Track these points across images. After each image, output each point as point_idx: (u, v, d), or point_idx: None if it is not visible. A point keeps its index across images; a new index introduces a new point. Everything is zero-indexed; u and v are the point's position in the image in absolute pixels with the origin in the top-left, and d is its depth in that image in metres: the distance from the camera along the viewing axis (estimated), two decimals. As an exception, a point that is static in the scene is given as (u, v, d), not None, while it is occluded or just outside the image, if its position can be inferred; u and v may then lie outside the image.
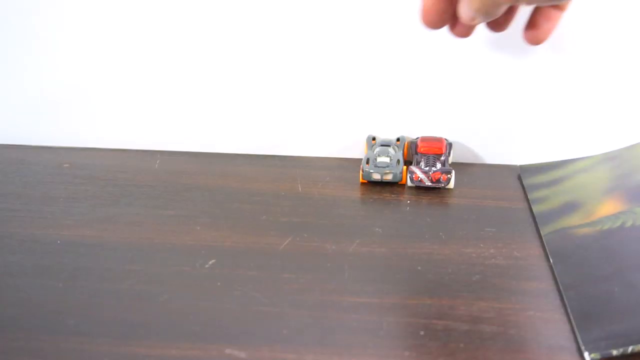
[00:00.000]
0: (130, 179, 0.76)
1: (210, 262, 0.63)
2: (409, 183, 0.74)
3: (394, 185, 0.74)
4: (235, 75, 0.79)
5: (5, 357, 0.53)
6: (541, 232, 0.67)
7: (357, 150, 0.80)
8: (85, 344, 0.54)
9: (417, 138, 0.77)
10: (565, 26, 0.76)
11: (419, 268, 0.62)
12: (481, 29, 0.76)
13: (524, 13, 0.65)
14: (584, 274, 0.60)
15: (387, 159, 0.74)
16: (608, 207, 0.67)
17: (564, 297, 0.58)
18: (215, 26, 0.78)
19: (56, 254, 0.64)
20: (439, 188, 0.74)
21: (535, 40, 0.65)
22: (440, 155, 0.75)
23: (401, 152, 0.76)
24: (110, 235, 0.67)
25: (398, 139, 0.77)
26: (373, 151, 0.76)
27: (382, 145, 0.76)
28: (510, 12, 0.64)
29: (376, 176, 0.74)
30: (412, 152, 0.77)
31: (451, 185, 0.73)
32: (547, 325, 0.56)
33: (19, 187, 0.74)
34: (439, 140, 0.76)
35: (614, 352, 0.53)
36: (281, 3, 0.77)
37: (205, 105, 0.80)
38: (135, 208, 0.71)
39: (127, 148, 0.82)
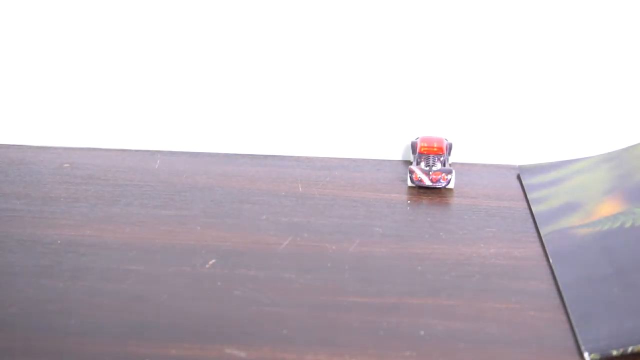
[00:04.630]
0: (130, 179, 0.76)
1: (210, 262, 0.63)
2: (409, 183, 0.74)
3: (394, 185, 0.74)
4: (235, 75, 0.79)
5: (5, 357, 0.53)
6: (541, 232, 0.67)
7: (357, 149, 0.80)
8: (85, 344, 0.54)
9: (417, 138, 0.77)
10: (565, 26, 0.76)
11: (419, 268, 0.62)
12: (484, 26, 0.76)
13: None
14: (584, 274, 0.60)
15: None
16: (607, 208, 0.67)
17: (564, 297, 0.58)
18: (215, 26, 0.78)
19: (56, 254, 0.64)
20: (439, 188, 0.74)
21: None
22: (441, 155, 0.75)
23: None
24: (110, 235, 0.67)
25: None
26: None
27: None
28: None
29: None
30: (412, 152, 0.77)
31: (451, 185, 0.73)
32: (547, 325, 0.56)
33: (19, 187, 0.74)
34: (439, 140, 0.76)
35: (614, 352, 0.53)
36: (281, 4, 0.77)
37: (206, 105, 0.80)
38: (135, 208, 0.71)
39: (127, 148, 0.82)
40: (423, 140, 0.76)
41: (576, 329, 0.55)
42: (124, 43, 0.79)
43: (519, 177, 0.76)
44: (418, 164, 0.74)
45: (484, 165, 0.79)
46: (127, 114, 0.81)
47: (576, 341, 0.54)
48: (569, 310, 0.57)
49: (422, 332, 0.56)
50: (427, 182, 0.73)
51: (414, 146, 0.77)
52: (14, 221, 0.69)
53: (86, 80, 0.80)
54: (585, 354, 0.53)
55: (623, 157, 0.74)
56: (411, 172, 0.73)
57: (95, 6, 0.78)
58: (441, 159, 0.75)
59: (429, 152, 0.75)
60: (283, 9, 0.77)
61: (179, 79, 0.80)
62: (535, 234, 0.67)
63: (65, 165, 0.78)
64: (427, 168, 0.73)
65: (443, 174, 0.73)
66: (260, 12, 0.77)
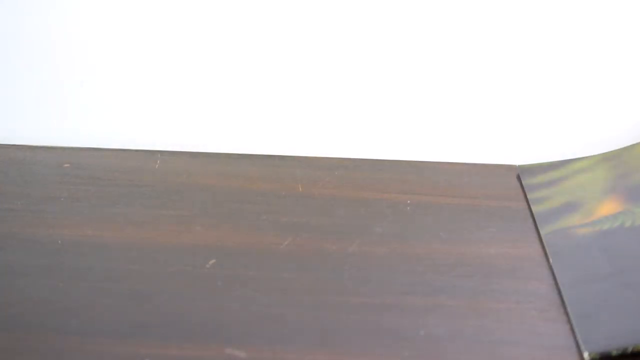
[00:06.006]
0: (130, 179, 0.76)
1: (210, 262, 0.63)
2: None
3: (394, 186, 0.74)
4: (235, 75, 0.79)
5: (5, 357, 0.53)
6: (540, 232, 0.67)
7: (357, 149, 0.80)
8: (86, 344, 0.54)
9: None
10: (565, 25, 0.76)
11: (419, 268, 0.62)
12: (475, 11, 0.76)
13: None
14: (584, 274, 0.60)
15: None
16: (607, 207, 0.67)
17: (563, 296, 0.58)
18: (215, 26, 0.78)
19: (56, 254, 0.64)
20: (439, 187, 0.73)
21: None
22: None
23: None
24: (110, 235, 0.67)
25: None
26: None
27: None
28: None
29: None
30: None
31: None
32: (547, 325, 0.56)
33: (19, 187, 0.74)
34: None
35: (613, 352, 0.53)
36: (280, 4, 0.77)
37: (205, 105, 0.80)
38: (135, 208, 0.71)
39: (127, 148, 0.82)
40: None
41: (575, 329, 0.55)
42: (123, 43, 0.79)
43: (518, 177, 0.76)
44: None
45: (484, 165, 0.79)
46: (127, 114, 0.81)
47: (576, 341, 0.55)
48: (569, 310, 0.57)
49: (422, 332, 0.56)
50: None
51: None
52: (14, 221, 0.69)
53: (86, 80, 0.80)
54: (585, 354, 0.53)
55: (623, 156, 0.74)
56: None
57: (95, 5, 0.78)
58: None
59: None
60: (283, 9, 0.77)
61: (178, 78, 0.80)
62: (535, 234, 0.67)
63: (65, 165, 0.78)
64: None
65: None
66: (260, 12, 0.77)
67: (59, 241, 0.66)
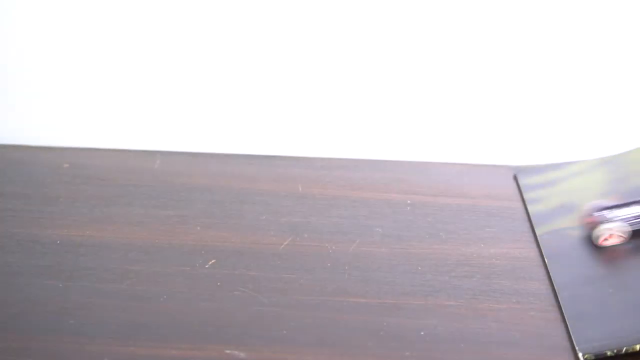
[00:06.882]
0: (130, 179, 0.76)
1: (210, 262, 0.63)
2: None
3: (394, 185, 0.74)
4: (235, 75, 0.79)
5: (5, 357, 0.53)
6: (536, 232, 0.67)
7: (357, 149, 0.80)
8: (85, 344, 0.54)
9: None
10: (563, 27, 0.76)
11: (419, 268, 0.62)
12: (475, 13, 0.76)
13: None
14: (579, 275, 0.61)
15: None
16: None
17: (559, 297, 0.59)
18: (215, 26, 0.78)
19: (56, 254, 0.64)
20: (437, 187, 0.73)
21: None
22: None
23: None
24: (110, 235, 0.67)
25: None
26: None
27: None
28: None
29: None
30: None
31: None
32: (547, 326, 0.56)
33: (19, 187, 0.74)
34: None
35: (608, 353, 0.53)
36: (280, 4, 0.77)
37: (205, 104, 0.80)
38: (135, 208, 0.71)
39: (127, 148, 0.82)
40: None
41: (570, 330, 0.55)
42: (124, 43, 0.79)
43: (515, 178, 0.76)
44: None
45: (484, 166, 0.79)
46: (127, 114, 0.81)
47: (571, 342, 0.55)
48: (564, 311, 0.57)
49: (422, 333, 0.56)
50: None
51: None
52: (14, 221, 0.69)
53: (86, 80, 0.80)
54: (580, 355, 0.53)
55: (619, 161, 0.74)
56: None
57: (95, 5, 0.78)
58: None
59: None
60: (283, 9, 0.77)
61: (178, 79, 0.80)
62: (534, 235, 0.67)
63: (65, 165, 0.78)
64: None
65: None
66: (260, 12, 0.77)
67: (59, 241, 0.66)
